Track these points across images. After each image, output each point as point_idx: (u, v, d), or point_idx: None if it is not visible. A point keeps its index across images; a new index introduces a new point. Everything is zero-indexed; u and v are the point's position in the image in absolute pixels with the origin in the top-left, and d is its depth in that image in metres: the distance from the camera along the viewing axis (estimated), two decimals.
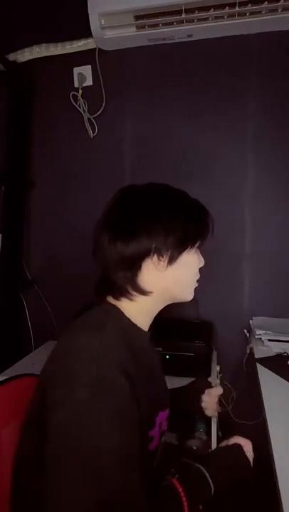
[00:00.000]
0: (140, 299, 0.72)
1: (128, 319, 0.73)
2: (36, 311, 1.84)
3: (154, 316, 0.78)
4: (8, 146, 1.70)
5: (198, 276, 0.79)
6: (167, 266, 0.71)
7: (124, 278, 0.71)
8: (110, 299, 0.74)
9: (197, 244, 0.75)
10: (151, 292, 0.72)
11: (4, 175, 1.68)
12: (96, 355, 0.61)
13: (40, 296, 1.84)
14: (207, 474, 0.68)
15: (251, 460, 0.77)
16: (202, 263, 0.79)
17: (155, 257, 0.70)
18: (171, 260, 0.71)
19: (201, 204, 0.78)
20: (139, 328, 0.74)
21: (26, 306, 1.83)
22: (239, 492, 0.77)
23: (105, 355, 0.61)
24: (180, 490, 0.64)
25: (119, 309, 0.73)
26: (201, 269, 0.79)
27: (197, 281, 0.79)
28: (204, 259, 0.79)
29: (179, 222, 0.71)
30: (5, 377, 0.87)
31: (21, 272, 1.82)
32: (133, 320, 0.73)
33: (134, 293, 0.72)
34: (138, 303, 0.73)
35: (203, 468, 0.69)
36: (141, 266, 0.70)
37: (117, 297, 0.73)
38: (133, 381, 0.62)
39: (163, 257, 0.70)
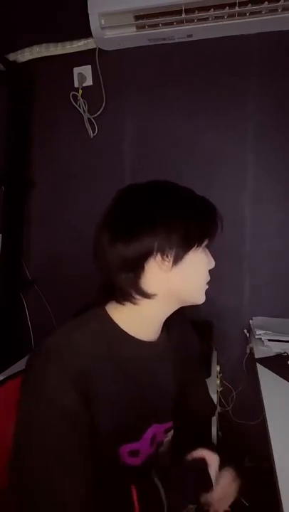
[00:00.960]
0: (144, 302, 0.69)
1: (116, 326, 0.70)
2: (36, 311, 1.84)
3: (161, 322, 0.74)
4: (8, 146, 1.70)
5: (208, 278, 0.74)
6: (172, 266, 0.67)
7: (126, 281, 0.67)
8: (113, 304, 0.71)
9: (205, 243, 0.71)
10: (155, 295, 0.68)
11: (4, 175, 1.68)
12: (53, 358, 0.62)
13: (40, 296, 1.84)
14: (162, 492, 0.65)
15: (213, 477, 0.72)
16: (212, 264, 0.74)
17: (159, 256, 0.66)
18: (177, 260, 0.66)
19: (209, 201, 0.73)
20: (130, 335, 0.70)
21: (26, 306, 1.83)
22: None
23: (61, 359, 0.62)
24: (134, 497, 0.63)
25: (107, 315, 0.71)
26: (211, 271, 0.74)
27: (208, 283, 0.74)
28: (214, 260, 0.75)
29: (183, 220, 0.67)
30: (5, 377, 0.87)
31: (21, 272, 1.82)
32: (128, 326, 0.70)
33: (138, 296, 0.68)
34: (141, 308, 0.69)
35: (160, 488, 0.66)
36: (144, 267, 0.67)
37: (120, 302, 0.70)
38: (92, 386, 0.62)
39: (167, 256, 0.66)
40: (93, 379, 0.63)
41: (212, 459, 0.73)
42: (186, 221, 0.67)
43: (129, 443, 0.70)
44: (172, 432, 0.81)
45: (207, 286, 0.74)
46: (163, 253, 0.66)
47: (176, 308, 0.74)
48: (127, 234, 0.66)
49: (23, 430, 0.61)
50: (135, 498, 0.63)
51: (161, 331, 0.76)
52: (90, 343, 0.65)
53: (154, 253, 0.66)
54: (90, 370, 0.63)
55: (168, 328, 0.78)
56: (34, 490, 0.58)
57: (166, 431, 0.79)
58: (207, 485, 0.71)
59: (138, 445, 0.71)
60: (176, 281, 0.68)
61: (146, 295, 0.68)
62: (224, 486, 0.74)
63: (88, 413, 0.62)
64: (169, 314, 0.74)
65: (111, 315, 0.71)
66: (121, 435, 0.68)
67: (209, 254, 0.74)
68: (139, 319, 0.71)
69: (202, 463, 0.72)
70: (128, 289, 0.68)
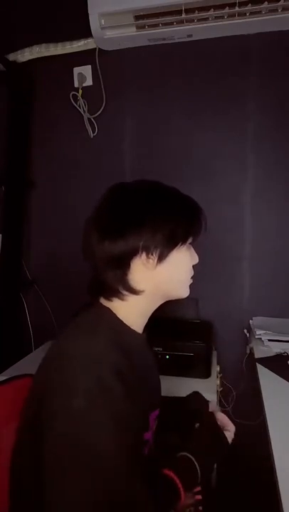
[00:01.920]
0: (132, 298, 0.71)
1: (120, 321, 0.72)
2: (36, 311, 1.84)
3: (148, 316, 0.77)
4: (8, 146, 1.70)
5: (192, 273, 0.77)
6: (157, 264, 0.70)
7: (114, 277, 0.69)
8: (102, 300, 0.73)
9: (189, 241, 0.74)
10: (142, 291, 0.71)
11: (4, 175, 1.68)
12: (90, 362, 0.61)
13: (40, 296, 1.84)
14: (196, 463, 0.70)
15: (230, 438, 0.79)
16: (195, 260, 0.77)
17: (144, 255, 0.68)
18: (161, 258, 0.69)
19: (193, 200, 0.76)
20: (131, 329, 0.73)
21: (26, 306, 1.83)
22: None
23: (99, 362, 0.61)
24: (177, 481, 0.66)
25: (111, 311, 0.72)
26: (194, 266, 0.77)
27: (192, 277, 0.77)
28: (198, 255, 0.78)
29: (167, 220, 0.69)
30: (5, 378, 0.87)
31: (21, 272, 1.82)
32: (125, 321, 0.72)
33: (126, 292, 0.70)
34: (130, 303, 0.72)
35: (192, 457, 0.70)
36: (130, 265, 0.69)
37: (108, 297, 0.72)
38: (127, 384, 0.62)
39: (152, 255, 0.69)
40: (122, 376, 0.63)
41: (228, 424, 0.81)
42: (171, 221, 0.70)
43: (146, 432, 0.72)
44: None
45: (191, 281, 0.77)
46: (148, 252, 0.68)
47: (162, 302, 0.77)
48: (115, 233, 0.68)
49: (81, 442, 0.56)
50: (175, 477, 0.66)
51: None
52: (109, 344, 0.66)
53: (140, 252, 0.68)
54: (119, 369, 0.63)
55: None
56: (105, 494, 0.54)
57: (156, 418, 0.81)
58: (225, 445, 0.78)
59: (148, 434, 0.74)
60: (160, 278, 0.71)
61: (133, 291, 0.70)
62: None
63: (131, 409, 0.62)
64: (154, 308, 0.77)
65: (114, 311, 0.72)
66: (139, 428, 0.69)
67: (193, 250, 0.77)
68: (134, 314, 0.73)
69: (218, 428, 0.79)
70: (116, 286, 0.70)
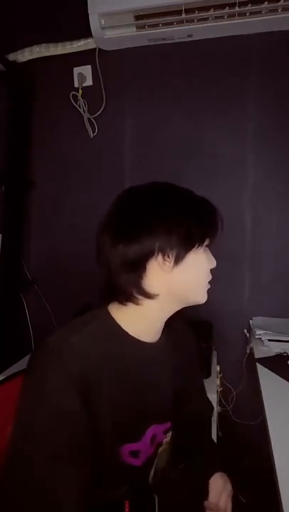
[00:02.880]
0: (146, 303, 0.69)
1: (118, 326, 0.70)
2: (36, 311, 1.84)
3: (162, 323, 0.74)
4: (8, 146, 1.70)
5: (209, 278, 0.74)
6: (174, 266, 0.67)
7: (128, 281, 0.67)
8: (115, 304, 0.71)
9: (206, 243, 0.72)
10: (157, 295, 0.68)
11: (4, 175, 1.68)
12: (52, 356, 0.62)
13: (40, 296, 1.84)
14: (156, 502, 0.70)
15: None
16: (213, 264, 0.75)
17: (160, 256, 0.66)
18: (178, 260, 0.67)
19: (208, 201, 0.74)
20: (130, 336, 0.70)
21: (26, 306, 1.83)
22: None
23: (62, 360, 0.62)
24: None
25: (109, 314, 0.71)
26: (212, 271, 0.75)
27: (209, 282, 0.75)
28: (216, 260, 0.76)
29: (183, 220, 0.67)
30: (5, 378, 0.87)
31: (21, 272, 1.82)
32: (130, 327, 0.70)
33: (140, 296, 0.68)
34: (143, 308, 0.69)
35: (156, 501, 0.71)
36: (146, 267, 0.67)
37: (122, 302, 0.70)
38: (93, 388, 0.62)
39: (168, 256, 0.66)
40: (93, 379, 0.63)
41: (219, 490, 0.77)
42: (187, 221, 0.68)
43: (130, 443, 0.70)
44: (171, 432, 0.81)
45: (209, 286, 0.75)
46: (164, 253, 0.66)
47: (178, 309, 0.74)
48: (128, 235, 0.66)
49: (21, 428, 0.61)
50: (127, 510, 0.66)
51: (162, 332, 0.76)
52: (91, 344, 0.65)
53: (156, 253, 0.66)
54: (91, 371, 0.63)
55: (169, 330, 0.78)
56: (28, 489, 0.58)
57: (166, 431, 0.79)
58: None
59: (138, 445, 0.71)
60: (177, 281, 0.69)
61: (148, 295, 0.68)
62: (218, 489, 0.78)
63: (88, 413, 0.61)
64: (170, 315, 0.74)
65: (113, 315, 0.71)
66: (121, 435, 0.68)
67: (210, 254, 0.75)
68: (142, 320, 0.71)
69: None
70: (130, 289, 0.68)
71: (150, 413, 0.74)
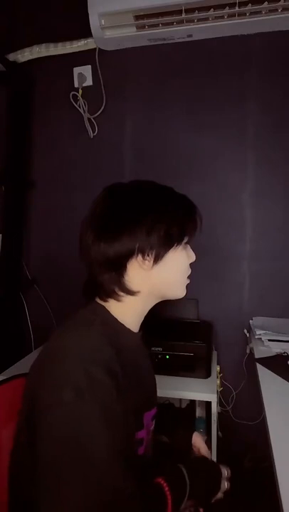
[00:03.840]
0: (128, 299, 0.71)
1: (114, 319, 0.72)
2: (36, 311, 1.84)
3: (143, 315, 0.77)
4: (8, 146, 1.70)
5: (188, 272, 0.77)
6: (153, 265, 0.70)
7: (110, 279, 0.69)
8: (98, 300, 0.74)
9: (184, 241, 0.73)
10: (138, 292, 0.71)
11: (4, 175, 1.68)
12: (82, 356, 0.61)
13: (40, 296, 1.84)
14: (187, 481, 0.71)
15: (222, 488, 0.79)
16: (192, 258, 0.77)
17: (140, 256, 0.68)
18: (157, 259, 0.69)
19: (188, 199, 0.76)
20: (125, 327, 0.73)
21: (26, 306, 1.83)
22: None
23: (91, 356, 0.62)
24: (166, 488, 0.67)
25: (106, 309, 0.72)
26: (193, 266, 0.77)
27: (188, 277, 0.77)
28: (198, 255, 0.78)
29: (162, 221, 0.69)
30: (5, 378, 0.87)
31: (21, 272, 1.82)
32: (120, 320, 0.72)
33: (122, 293, 0.71)
34: (126, 303, 0.72)
35: (185, 473, 0.72)
36: (126, 266, 0.69)
37: (104, 298, 0.72)
38: (119, 380, 0.62)
39: (148, 256, 0.69)
40: (116, 373, 0.63)
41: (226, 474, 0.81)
42: (166, 222, 0.69)
43: (139, 431, 0.72)
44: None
45: (188, 281, 0.77)
46: (144, 253, 0.68)
47: (157, 302, 0.77)
48: (110, 235, 0.68)
49: (72, 435, 0.56)
50: (167, 489, 0.67)
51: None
52: (103, 340, 0.66)
53: (136, 253, 0.68)
54: (113, 365, 0.63)
55: None
56: (96, 488, 0.54)
57: (153, 418, 0.81)
58: (216, 489, 0.78)
59: (142, 433, 0.73)
60: (157, 278, 0.71)
61: (130, 292, 0.71)
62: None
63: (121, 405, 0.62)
64: (150, 308, 0.77)
65: (110, 311, 0.73)
66: (132, 424, 0.69)
67: (189, 249, 0.77)
68: (129, 313, 0.73)
69: (218, 472, 0.80)
70: (112, 287, 0.70)
71: (145, 400, 0.77)
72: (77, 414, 0.57)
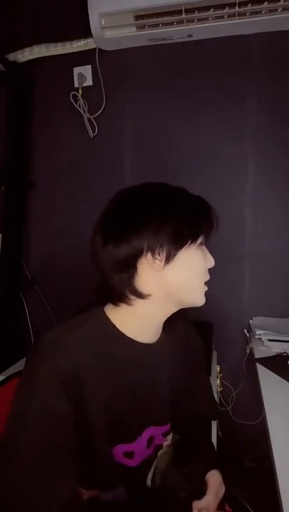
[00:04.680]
0: (139, 303, 0.68)
1: (113, 327, 0.70)
2: (36, 311, 1.84)
3: (158, 324, 0.73)
4: (8, 146, 1.70)
5: (206, 278, 0.72)
6: (164, 265, 0.66)
7: (120, 281, 0.67)
8: (110, 306, 0.71)
9: (199, 241, 0.69)
10: (150, 295, 0.68)
11: (4, 175, 1.68)
12: (45, 355, 0.63)
13: (40, 296, 1.84)
14: None
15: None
16: (211, 263, 0.73)
17: (149, 255, 0.66)
18: (168, 258, 0.66)
19: (203, 200, 0.73)
20: (126, 337, 0.70)
21: (26, 306, 1.83)
22: None
23: (53, 360, 0.62)
24: None
25: (105, 315, 0.71)
26: (211, 271, 0.73)
27: (206, 283, 0.72)
28: (214, 260, 0.73)
29: (170, 219, 0.66)
30: (5, 378, 0.87)
31: (21, 272, 1.82)
32: (125, 328, 0.70)
33: (132, 297, 0.68)
34: (136, 309, 0.69)
35: None
36: (136, 267, 0.67)
37: (115, 303, 0.70)
38: (85, 387, 0.62)
39: (159, 255, 0.66)
40: (85, 380, 0.63)
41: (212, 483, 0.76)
42: (175, 219, 0.67)
43: (123, 444, 0.70)
44: (171, 435, 0.81)
45: (206, 288, 0.73)
46: (153, 252, 0.66)
47: (175, 310, 0.73)
48: (118, 235, 0.66)
49: (11, 424, 0.62)
50: None
51: (162, 332, 0.75)
52: (84, 344, 0.65)
53: (145, 252, 0.66)
54: (84, 371, 0.63)
55: (169, 330, 0.77)
56: (14, 489, 0.59)
57: (164, 434, 0.79)
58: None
59: (132, 446, 0.71)
60: (169, 280, 0.68)
61: (140, 295, 0.68)
62: (216, 484, 0.76)
63: (79, 413, 0.62)
64: (167, 316, 0.73)
65: (109, 316, 0.71)
66: (114, 436, 0.68)
67: (208, 253, 0.73)
68: (136, 320, 0.70)
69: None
70: (122, 290, 0.68)
71: (147, 414, 0.73)
72: (20, 407, 0.62)
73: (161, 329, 0.75)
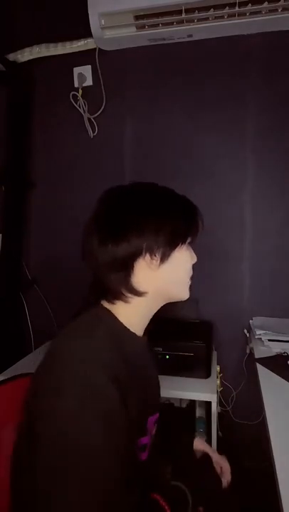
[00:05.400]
0: (135, 300, 0.71)
1: (120, 324, 0.72)
2: (36, 311, 1.84)
3: (149, 318, 0.77)
4: (8, 146, 1.70)
5: (191, 274, 0.77)
6: (160, 264, 0.70)
7: (117, 280, 0.69)
8: (105, 303, 0.73)
9: (188, 241, 0.74)
10: (145, 293, 0.71)
11: (4, 175, 1.68)
12: (84, 362, 0.60)
13: (40, 296, 1.84)
14: (188, 493, 0.73)
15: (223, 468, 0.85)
16: (194, 259, 0.78)
17: (147, 256, 0.69)
18: (164, 258, 0.70)
19: (189, 200, 0.77)
20: (132, 332, 0.73)
21: (26, 306, 1.83)
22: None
23: (93, 363, 0.61)
24: (165, 507, 0.68)
25: (112, 313, 0.72)
26: (194, 266, 0.78)
27: (191, 278, 0.77)
28: (198, 255, 0.79)
29: (169, 220, 0.70)
30: (4, 378, 0.87)
31: (21, 272, 1.82)
32: (127, 324, 0.72)
33: (129, 295, 0.70)
34: (133, 305, 0.72)
35: (183, 486, 0.74)
36: (134, 266, 0.69)
37: (111, 301, 0.72)
38: (123, 387, 0.61)
39: (155, 255, 0.69)
40: (120, 378, 0.62)
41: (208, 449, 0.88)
42: (172, 221, 0.71)
43: (141, 437, 0.72)
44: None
45: (190, 282, 0.77)
46: (151, 252, 0.69)
47: (162, 305, 0.77)
48: (117, 235, 0.68)
49: (70, 442, 0.55)
50: (163, 503, 0.68)
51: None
52: (107, 344, 0.65)
53: (143, 253, 0.69)
54: (117, 371, 0.63)
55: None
56: (92, 502, 0.53)
57: (155, 422, 0.80)
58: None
59: (146, 439, 0.73)
60: (163, 278, 0.72)
61: (137, 293, 0.71)
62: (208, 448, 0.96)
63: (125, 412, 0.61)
64: (155, 311, 0.77)
65: (113, 313, 0.72)
66: (135, 430, 0.69)
67: (192, 250, 0.78)
68: (137, 316, 0.74)
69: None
70: (119, 288, 0.70)
71: (149, 405, 0.76)
72: (76, 421, 0.56)
73: (148, 323, 0.78)
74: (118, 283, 0.70)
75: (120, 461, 0.57)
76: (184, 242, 0.73)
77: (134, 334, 0.73)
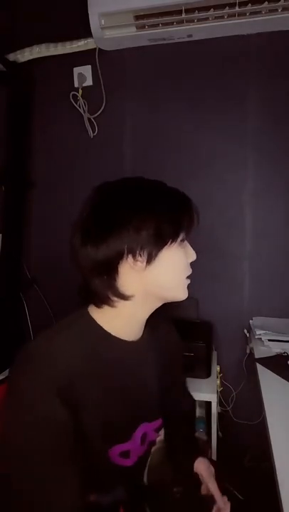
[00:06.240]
0: (122, 304, 0.67)
1: (99, 326, 0.68)
2: (36, 311, 1.84)
3: (142, 321, 0.73)
4: (8, 146, 1.70)
5: (188, 272, 0.71)
6: (146, 266, 0.65)
7: (102, 284, 0.65)
8: (92, 307, 0.70)
9: (180, 238, 0.67)
10: (132, 296, 0.66)
11: (4, 175, 1.68)
12: (34, 363, 0.61)
13: (40, 296, 1.84)
14: None
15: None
16: (192, 257, 0.72)
17: (130, 257, 0.63)
18: (150, 259, 0.64)
19: (181, 193, 0.71)
20: (112, 336, 0.68)
21: (26, 306, 1.83)
22: None
23: (43, 364, 0.60)
24: None
25: (89, 315, 0.69)
26: (193, 265, 0.72)
27: (189, 277, 0.71)
28: (198, 255, 0.73)
29: (151, 218, 0.63)
30: (4, 377, 0.87)
31: (21, 272, 1.82)
32: (108, 328, 0.68)
33: (115, 298, 0.66)
34: (118, 309, 0.67)
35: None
36: (118, 269, 0.65)
37: (98, 305, 0.68)
38: (76, 393, 0.60)
39: (140, 256, 0.64)
40: (77, 382, 0.61)
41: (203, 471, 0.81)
42: (155, 218, 0.64)
43: (119, 444, 0.69)
44: (163, 430, 0.82)
45: (188, 281, 0.71)
46: (134, 254, 0.63)
47: (158, 306, 0.72)
48: (96, 236, 0.64)
49: (7, 438, 0.58)
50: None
51: (144, 330, 0.75)
52: (73, 346, 0.64)
53: (125, 255, 0.63)
54: (75, 373, 0.61)
55: (150, 327, 0.77)
56: (26, 501, 0.56)
57: (157, 429, 0.79)
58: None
59: (128, 445, 0.71)
60: (152, 280, 0.66)
61: (123, 297, 0.66)
62: (205, 474, 0.83)
63: (72, 418, 0.60)
64: (150, 312, 0.72)
65: (93, 316, 0.69)
66: (110, 436, 0.67)
67: (189, 247, 0.72)
68: (121, 320, 0.69)
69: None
70: (104, 292, 0.66)
71: (138, 412, 0.73)
72: (12, 418, 0.58)
73: (144, 326, 0.74)
74: (103, 287, 0.65)
75: (52, 458, 0.57)
76: (174, 239, 0.66)
77: (116, 338, 0.69)
